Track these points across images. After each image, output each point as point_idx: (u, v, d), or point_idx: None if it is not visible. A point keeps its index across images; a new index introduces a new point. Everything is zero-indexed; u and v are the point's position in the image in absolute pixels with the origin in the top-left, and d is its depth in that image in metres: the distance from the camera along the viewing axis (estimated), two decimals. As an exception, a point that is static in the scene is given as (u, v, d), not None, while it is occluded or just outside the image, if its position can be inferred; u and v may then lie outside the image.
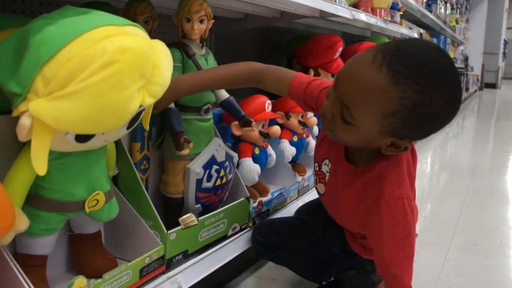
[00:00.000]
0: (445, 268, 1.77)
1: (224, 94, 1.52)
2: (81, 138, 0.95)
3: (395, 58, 0.99)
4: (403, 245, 1.19)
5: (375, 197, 1.20)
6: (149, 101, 0.96)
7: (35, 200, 1.01)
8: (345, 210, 1.31)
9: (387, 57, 1.00)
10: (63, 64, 0.84)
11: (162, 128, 1.45)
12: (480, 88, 13.07)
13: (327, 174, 1.36)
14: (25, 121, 0.85)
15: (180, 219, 1.31)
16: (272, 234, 1.54)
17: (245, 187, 1.62)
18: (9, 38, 0.92)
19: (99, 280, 1.04)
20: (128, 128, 1.02)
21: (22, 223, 0.93)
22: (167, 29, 2.06)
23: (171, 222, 1.31)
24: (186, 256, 1.33)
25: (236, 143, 1.77)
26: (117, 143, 1.24)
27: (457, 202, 2.81)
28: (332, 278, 1.59)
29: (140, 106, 0.94)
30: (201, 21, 1.37)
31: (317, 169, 1.41)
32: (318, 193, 1.43)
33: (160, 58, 0.96)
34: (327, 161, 1.36)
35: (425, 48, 1.02)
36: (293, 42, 2.82)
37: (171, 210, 1.44)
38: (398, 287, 1.22)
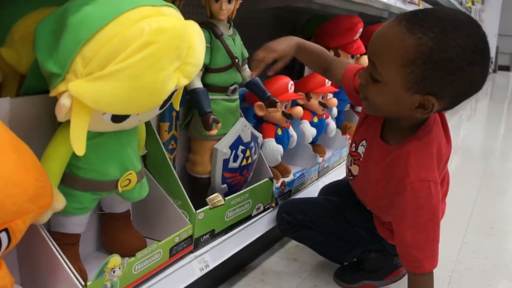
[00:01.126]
0: (462, 250, 1.78)
1: (249, 74, 1.52)
2: (117, 118, 0.96)
3: (414, 14, 1.08)
4: (426, 228, 1.19)
5: (401, 176, 1.21)
6: (184, 81, 0.96)
7: (70, 179, 1.03)
8: (374, 190, 1.33)
9: (407, 14, 1.09)
10: (102, 45, 0.85)
11: (189, 108, 1.46)
12: (494, 71, 12.94)
13: (362, 155, 1.37)
14: (65, 101, 0.86)
15: (208, 198, 1.32)
16: (298, 213, 1.56)
17: (268, 167, 1.63)
18: (46, 18, 0.93)
19: (132, 258, 1.06)
20: (161, 108, 1.03)
21: (59, 202, 0.95)
22: (192, 9, 2.05)
23: (197, 201, 1.32)
24: (213, 235, 1.35)
25: (258, 123, 1.78)
26: (146, 124, 1.24)
27: (473, 185, 2.80)
28: (354, 260, 1.61)
29: (175, 86, 0.95)
30: (229, 1, 1.37)
31: (353, 149, 1.42)
32: (351, 174, 1.44)
33: (194, 39, 0.97)
34: (364, 142, 1.38)
35: (445, 8, 1.12)
36: (310, 23, 2.80)
37: (197, 190, 1.45)
38: (418, 270, 1.22)
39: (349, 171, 1.45)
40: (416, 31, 1.04)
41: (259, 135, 1.58)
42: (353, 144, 1.43)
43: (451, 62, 1.04)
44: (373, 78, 1.15)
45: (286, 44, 1.48)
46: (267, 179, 1.57)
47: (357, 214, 1.48)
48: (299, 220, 1.55)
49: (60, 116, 0.88)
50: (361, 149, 1.39)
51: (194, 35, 0.98)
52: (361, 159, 1.38)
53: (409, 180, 1.18)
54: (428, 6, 4.32)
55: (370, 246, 1.51)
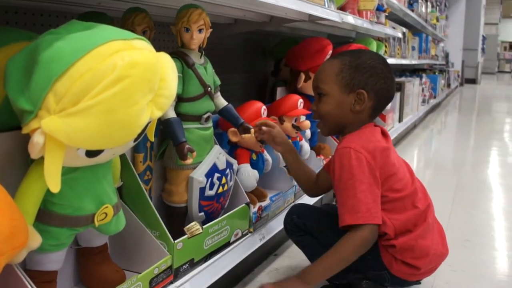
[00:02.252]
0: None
1: (222, 101, 1.53)
2: (92, 153, 0.95)
3: (341, 53, 1.57)
4: (346, 186, 1.39)
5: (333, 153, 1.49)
6: (157, 114, 0.96)
7: (45, 216, 1.01)
8: None
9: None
10: (75, 80, 0.85)
11: (163, 138, 1.46)
12: (461, 84, 13.22)
13: None
14: (38, 138, 0.85)
15: (186, 228, 1.32)
16: (309, 219, 1.60)
17: (244, 193, 1.63)
18: (17, 54, 0.92)
19: (112, 293, 1.04)
20: (135, 140, 1.02)
21: (35, 240, 0.93)
22: (163, 37, 2.06)
23: (175, 231, 1.31)
24: (192, 264, 1.34)
25: (232, 149, 1.78)
26: (121, 155, 1.23)
27: (446, 198, 2.84)
28: (344, 282, 1.58)
29: (149, 118, 0.95)
30: (200, 31, 1.38)
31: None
32: None
33: (166, 71, 0.97)
34: None
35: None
36: (280, 46, 2.83)
37: (174, 220, 1.45)
38: (340, 223, 1.39)
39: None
40: (338, 56, 1.54)
41: (234, 161, 1.58)
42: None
43: (365, 63, 1.48)
44: (319, 97, 1.52)
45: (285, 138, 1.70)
46: (243, 204, 1.57)
47: None
48: (307, 226, 1.60)
49: (34, 154, 0.87)
50: None
51: (166, 67, 0.98)
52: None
53: (336, 149, 1.47)
54: (395, 25, 4.42)
55: (370, 273, 1.50)
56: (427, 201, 1.54)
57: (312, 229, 1.59)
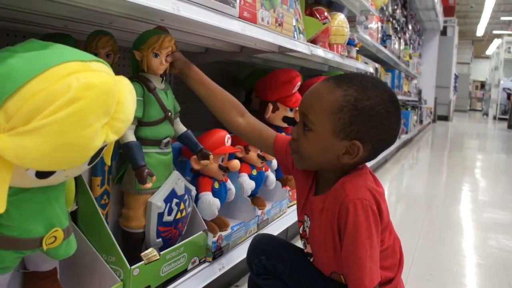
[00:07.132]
0: (402, 299, 1.79)
1: (182, 127, 1.54)
2: (42, 174, 0.93)
3: (339, 76, 1.26)
4: (365, 246, 1.20)
5: (342, 201, 1.22)
6: (113, 137, 0.95)
7: (-10, 237, 0.98)
8: (325, 252, 1.31)
9: (333, 76, 1.26)
10: (27, 99, 0.83)
11: (122, 162, 1.45)
12: (434, 121, 13.45)
13: (308, 230, 1.36)
14: (-15, 157, 0.84)
15: (142, 254, 1.30)
16: (280, 262, 1.45)
17: (202, 220, 1.62)
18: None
19: (57, 319, 1.02)
20: (89, 163, 1.01)
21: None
22: (127, 62, 2.06)
23: (132, 257, 1.29)
24: (149, 292, 1.32)
25: (195, 177, 1.77)
26: (77, 178, 1.22)
27: (414, 233, 2.86)
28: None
29: (103, 142, 0.94)
30: (168, 56, 1.41)
31: (301, 231, 1.41)
32: (310, 256, 1.41)
33: (124, 95, 0.97)
34: (306, 217, 1.37)
35: (363, 74, 1.35)
36: (252, 76, 2.85)
37: (131, 245, 1.42)
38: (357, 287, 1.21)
39: (308, 254, 1.42)
40: (343, 85, 1.21)
41: (192, 187, 1.58)
42: (301, 227, 1.42)
43: (373, 109, 1.20)
44: (305, 130, 1.25)
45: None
46: (201, 232, 1.56)
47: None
48: (277, 270, 1.44)
49: (-21, 172, 0.85)
50: (306, 224, 1.38)
51: (124, 91, 0.97)
52: (308, 234, 1.37)
53: (348, 199, 1.21)
54: (368, 60, 4.49)
55: None
56: (399, 244, 1.42)
57: (284, 274, 1.43)
